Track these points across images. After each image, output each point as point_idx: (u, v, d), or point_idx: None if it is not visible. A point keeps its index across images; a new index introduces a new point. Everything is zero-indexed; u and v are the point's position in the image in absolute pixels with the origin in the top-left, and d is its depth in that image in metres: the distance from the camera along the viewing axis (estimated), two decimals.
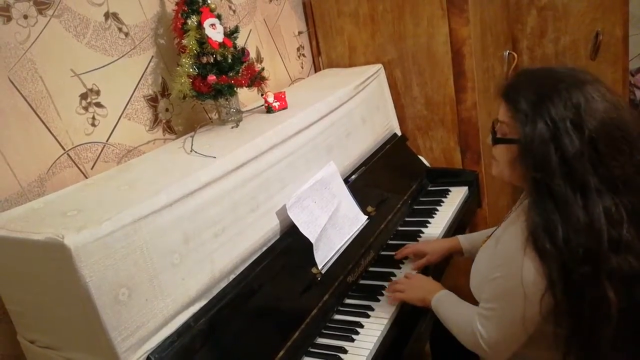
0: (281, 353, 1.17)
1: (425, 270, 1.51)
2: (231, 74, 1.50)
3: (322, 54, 2.26)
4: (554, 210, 0.96)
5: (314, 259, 1.38)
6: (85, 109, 1.35)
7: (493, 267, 1.09)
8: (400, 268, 1.53)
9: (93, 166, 1.37)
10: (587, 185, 0.95)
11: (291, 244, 1.36)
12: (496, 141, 1.11)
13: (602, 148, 0.96)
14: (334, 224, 1.49)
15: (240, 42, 1.58)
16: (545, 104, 0.99)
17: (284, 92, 1.67)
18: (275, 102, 1.62)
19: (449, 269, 1.69)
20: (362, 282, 1.49)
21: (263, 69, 1.61)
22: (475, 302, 1.23)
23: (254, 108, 1.72)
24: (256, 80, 1.58)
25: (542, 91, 1.01)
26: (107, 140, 1.41)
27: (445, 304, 1.26)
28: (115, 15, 1.42)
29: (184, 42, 1.44)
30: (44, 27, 1.25)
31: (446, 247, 1.52)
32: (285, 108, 1.64)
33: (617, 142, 0.97)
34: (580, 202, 0.95)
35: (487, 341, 1.10)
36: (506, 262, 1.05)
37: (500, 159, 1.12)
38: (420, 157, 2.11)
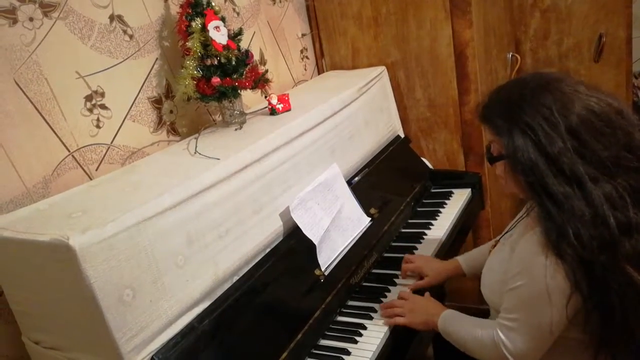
0: (284, 354, 1.17)
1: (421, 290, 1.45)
2: (235, 76, 1.50)
3: (325, 56, 2.27)
4: (558, 211, 0.97)
5: (317, 260, 1.38)
6: (90, 110, 1.36)
7: (512, 276, 1.07)
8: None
9: (97, 168, 1.38)
10: (580, 176, 0.97)
11: (294, 246, 1.37)
12: (490, 161, 1.14)
13: (584, 137, 0.98)
14: (337, 226, 1.49)
15: (244, 45, 1.58)
16: (516, 113, 1.02)
17: (288, 94, 1.68)
18: (279, 104, 1.63)
19: None
20: (365, 284, 1.50)
21: (267, 71, 1.61)
22: (484, 303, 1.23)
23: (258, 110, 1.72)
24: (260, 82, 1.58)
25: (510, 102, 1.04)
26: (111, 142, 1.42)
27: (455, 322, 1.23)
28: (120, 18, 1.43)
29: (188, 44, 1.45)
30: (50, 30, 1.26)
31: (448, 270, 1.49)
32: (288, 110, 1.65)
33: (598, 127, 0.99)
34: (580, 195, 0.97)
35: (513, 352, 1.07)
36: (527, 270, 1.03)
37: (503, 176, 1.13)
38: (423, 159, 2.11)
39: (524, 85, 1.05)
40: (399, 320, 1.29)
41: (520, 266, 1.05)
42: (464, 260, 1.49)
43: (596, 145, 0.98)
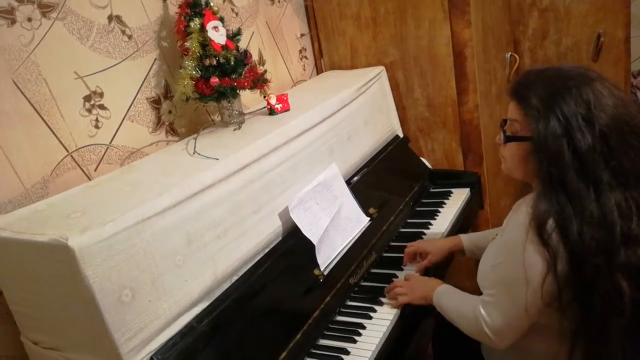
0: (283, 354, 1.18)
1: (426, 273, 1.50)
2: (234, 76, 1.50)
3: (324, 56, 2.27)
4: (568, 204, 0.98)
5: (316, 260, 1.38)
6: (89, 111, 1.36)
7: (496, 255, 1.12)
8: (402, 269, 1.53)
9: (96, 168, 1.38)
10: (599, 180, 0.98)
11: (293, 246, 1.37)
12: (507, 139, 1.12)
13: (613, 142, 0.98)
14: (336, 226, 1.49)
15: (242, 45, 1.58)
16: (556, 100, 1.01)
17: (286, 94, 1.68)
18: (278, 104, 1.63)
19: (451, 270, 1.70)
20: (364, 283, 1.50)
21: (265, 71, 1.61)
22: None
23: (257, 110, 1.72)
24: (258, 82, 1.58)
25: (553, 88, 1.03)
26: (110, 142, 1.42)
27: (447, 296, 1.27)
28: (118, 18, 1.43)
29: (187, 44, 1.45)
30: (48, 30, 1.26)
31: (448, 246, 1.52)
32: (287, 110, 1.65)
33: (627, 136, 0.99)
34: (593, 196, 0.98)
35: (491, 327, 1.11)
36: (509, 248, 1.07)
37: (511, 157, 1.13)
38: (422, 158, 2.11)
39: (570, 76, 1.04)
40: (401, 299, 1.34)
41: (504, 245, 1.09)
42: (466, 237, 1.52)
43: (622, 155, 0.99)
